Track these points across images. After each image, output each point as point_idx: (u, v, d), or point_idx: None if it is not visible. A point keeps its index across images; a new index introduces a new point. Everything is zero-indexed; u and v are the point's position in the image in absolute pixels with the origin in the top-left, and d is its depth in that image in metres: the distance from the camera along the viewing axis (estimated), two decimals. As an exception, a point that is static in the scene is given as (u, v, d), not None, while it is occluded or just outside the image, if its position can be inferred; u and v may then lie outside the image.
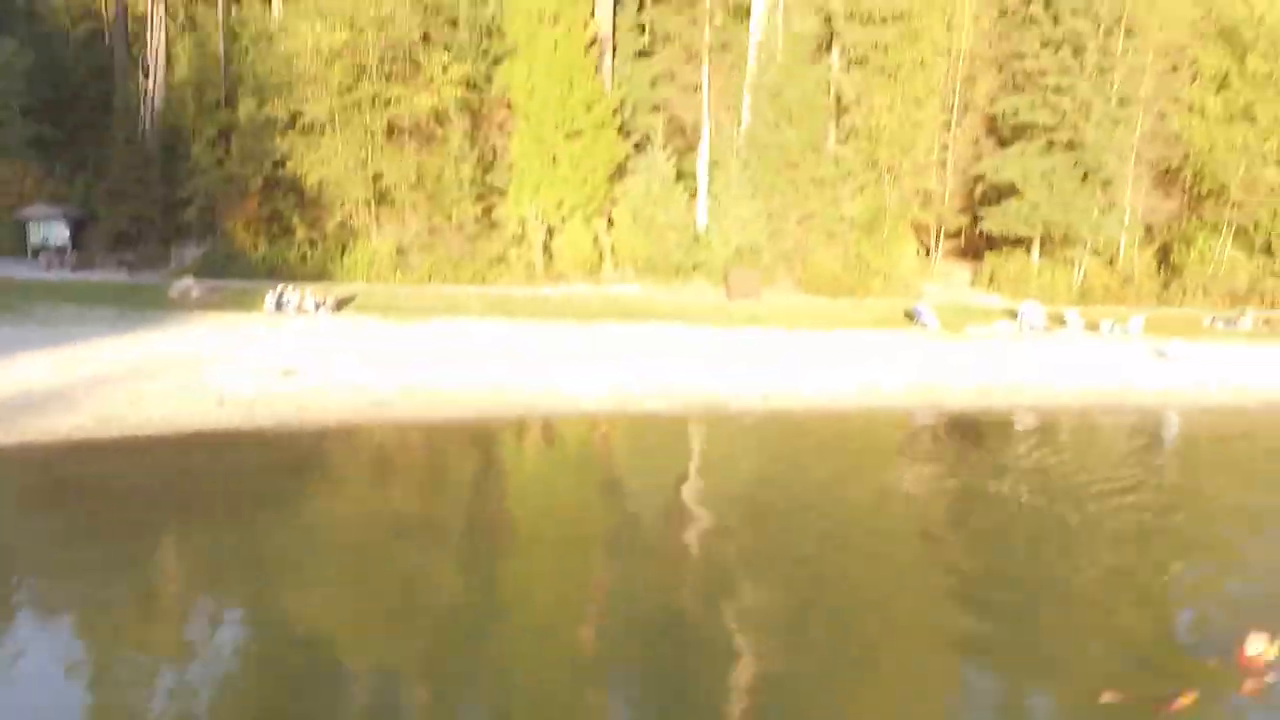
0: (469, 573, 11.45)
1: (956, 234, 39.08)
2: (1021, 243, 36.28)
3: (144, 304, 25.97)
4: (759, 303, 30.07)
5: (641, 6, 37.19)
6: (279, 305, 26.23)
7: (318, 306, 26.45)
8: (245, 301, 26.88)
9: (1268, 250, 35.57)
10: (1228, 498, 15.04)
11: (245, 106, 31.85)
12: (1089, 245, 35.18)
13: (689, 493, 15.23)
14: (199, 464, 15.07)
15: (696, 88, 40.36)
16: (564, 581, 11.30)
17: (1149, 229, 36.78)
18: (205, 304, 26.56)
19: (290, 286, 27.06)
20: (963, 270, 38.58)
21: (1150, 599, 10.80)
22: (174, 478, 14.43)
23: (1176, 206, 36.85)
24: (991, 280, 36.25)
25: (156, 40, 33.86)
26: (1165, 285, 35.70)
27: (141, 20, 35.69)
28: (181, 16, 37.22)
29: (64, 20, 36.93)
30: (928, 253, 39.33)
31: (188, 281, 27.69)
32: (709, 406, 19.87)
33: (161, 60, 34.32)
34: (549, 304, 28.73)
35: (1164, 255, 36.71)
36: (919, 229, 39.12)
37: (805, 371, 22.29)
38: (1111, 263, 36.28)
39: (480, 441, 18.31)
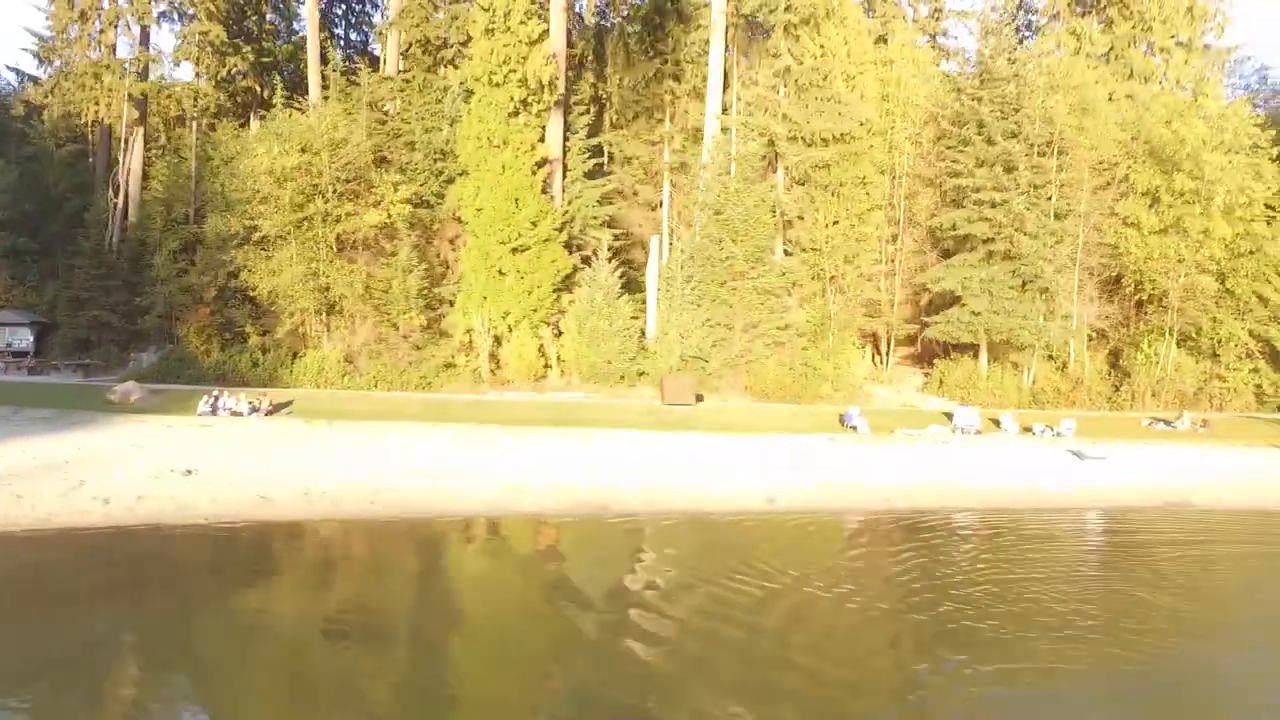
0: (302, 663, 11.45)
1: (910, 340, 39.65)
2: (971, 348, 36.85)
3: (82, 406, 26.59)
4: (692, 408, 30.37)
5: (594, 132, 39.12)
6: (213, 409, 26.79)
7: (252, 410, 26.96)
8: (184, 405, 27.42)
9: (1213, 354, 35.89)
10: (1044, 596, 14.64)
11: (212, 222, 33.50)
12: (1037, 350, 35.59)
13: (562, 593, 15.10)
14: (54, 560, 15.18)
15: (653, 205, 42.25)
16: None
17: (1100, 333, 37.28)
18: (142, 407, 27.13)
19: (226, 391, 27.70)
20: (915, 375, 38.96)
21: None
22: (17, 573, 14.52)
23: (1122, 312, 37.48)
24: (941, 384, 36.50)
25: (130, 160, 35.95)
26: (1116, 388, 35.88)
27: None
28: (163, 139, 39.65)
29: (50, 142, 39.38)
30: (882, 359, 39.99)
31: (129, 385, 28.40)
32: (605, 509, 19.90)
33: (136, 178, 36.38)
34: (488, 410, 29.10)
35: (1115, 359, 37.09)
36: (872, 336, 39.90)
37: (717, 476, 22.33)
38: (1064, 367, 36.59)
39: (364, 539, 18.28)
